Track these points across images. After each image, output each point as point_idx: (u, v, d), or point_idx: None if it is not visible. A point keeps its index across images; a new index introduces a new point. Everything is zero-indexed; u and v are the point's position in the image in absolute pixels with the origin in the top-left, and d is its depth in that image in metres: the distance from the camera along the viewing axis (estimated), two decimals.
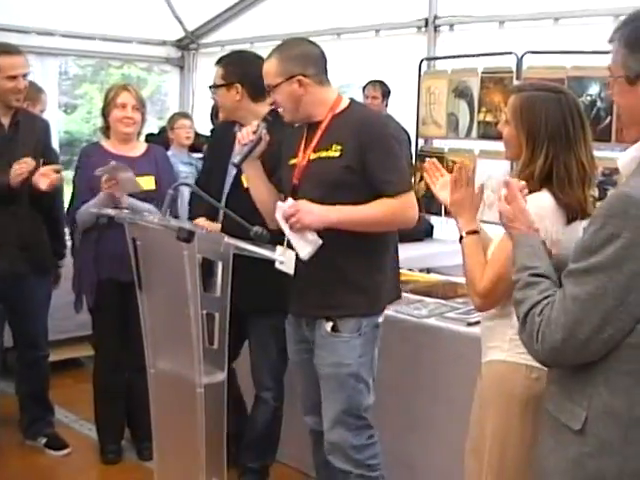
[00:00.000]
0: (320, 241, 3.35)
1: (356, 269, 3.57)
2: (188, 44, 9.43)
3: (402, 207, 3.51)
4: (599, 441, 2.01)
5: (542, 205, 2.79)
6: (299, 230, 3.37)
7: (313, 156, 3.58)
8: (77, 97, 18.78)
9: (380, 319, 3.67)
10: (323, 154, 3.55)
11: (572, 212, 2.79)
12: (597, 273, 1.93)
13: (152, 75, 16.33)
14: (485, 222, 4.81)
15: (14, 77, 4.61)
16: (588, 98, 5.06)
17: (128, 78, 17.80)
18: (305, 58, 3.58)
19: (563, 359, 2.06)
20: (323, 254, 3.43)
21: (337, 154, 3.50)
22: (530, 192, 2.80)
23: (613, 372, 1.98)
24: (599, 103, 4.97)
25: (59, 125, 9.88)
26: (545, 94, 2.96)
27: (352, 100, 3.73)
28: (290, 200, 3.43)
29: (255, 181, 3.77)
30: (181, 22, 9.11)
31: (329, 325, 3.59)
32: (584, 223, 2.32)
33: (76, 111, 18.82)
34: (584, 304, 1.95)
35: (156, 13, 8.68)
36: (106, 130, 4.88)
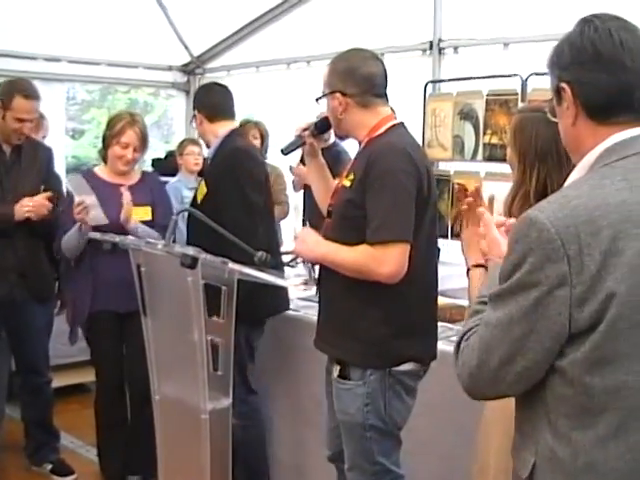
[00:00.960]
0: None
1: (355, 314, 3.37)
2: (194, 69, 9.45)
3: (373, 261, 3.21)
4: None
5: None
6: None
7: (341, 182, 3.48)
8: (84, 122, 18.88)
9: (403, 368, 3.40)
10: (344, 181, 3.42)
11: None
12: (506, 299, 1.82)
13: (159, 99, 16.42)
14: None
15: (23, 120, 4.65)
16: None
17: (135, 103, 17.90)
18: (349, 75, 3.40)
19: (479, 388, 1.94)
20: (329, 292, 3.47)
21: (348, 184, 3.37)
22: None
23: (553, 414, 1.85)
24: None
25: (66, 150, 9.92)
26: (538, 115, 2.97)
27: (395, 125, 3.46)
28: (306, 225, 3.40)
29: (313, 179, 3.84)
30: (187, 47, 9.13)
31: (337, 369, 3.46)
32: None
33: (84, 136, 18.91)
34: (494, 331, 1.84)
35: (162, 38, 8.70)
36: (104, 156, 4.77)
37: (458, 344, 1.99)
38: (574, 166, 1.99)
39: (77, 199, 4.36)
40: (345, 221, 3.37)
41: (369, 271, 3.23)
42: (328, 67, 3.50)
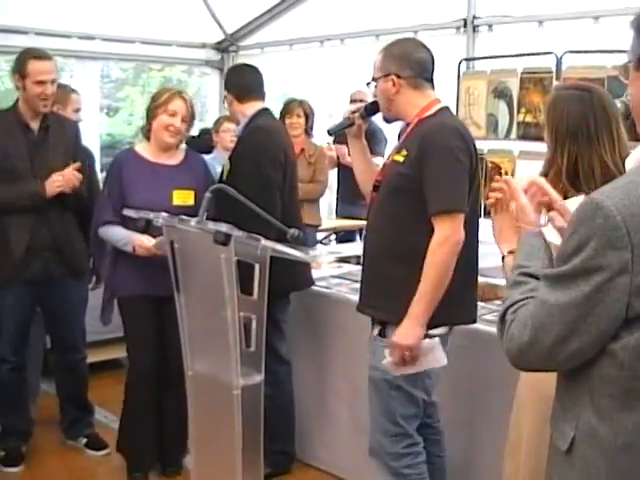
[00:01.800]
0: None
1: (401, 279, 3.54)
2: (228, 47, 9.45)
3: (440, 248, 3.43)
4: (586, 465, 1.89)
5: None
6: (415, 360, 3.48)
7: (392, 158, 3.67)
8: (119, 100, 18.91)
9: (439, 333, 3.57)
10: (395, 157, 3.63)
11: None
12: (566, 281, 1.81)
13: (193, 77, 16.41)
14: None
15: (42, 82, 4.63)
16: (629, 97, 5.00)
17: (169, 80, 17.90)
18: (404, 59, 3.64)
19: (529, 363, 1.95)
20: (375, 259, 3.65)
21: (401, 160, 3.57)
22: (565, 194, 2.78)
23: (597, 394, 1.86)
24: None
25: (101, 128, 9.97)
26: (570, 92, 2.97)
27: (443, 107, 3.71)
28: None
29: (355, 157, 4.01)
30: (220, 25, 9.14)
31: (377, 329, 3.66)
32: None
33: (118, 114, 18.96)
34: (550, 310, 1.83)
35: (195, 16, 8.71)
36: (147, 132, 4.61)
37: (503, 316, 1.99)
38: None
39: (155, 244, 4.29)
40: (398, 193, 3.57)
41: (450, 251, 3.43)
42: (381, 53, 3.72)
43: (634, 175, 1.84)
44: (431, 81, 3.73)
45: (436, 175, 3.45)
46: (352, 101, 7.79)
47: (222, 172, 4.73)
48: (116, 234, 4.48)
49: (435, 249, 3.43)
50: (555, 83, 5.35)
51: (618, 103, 4.93)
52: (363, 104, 3.95)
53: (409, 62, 3.64)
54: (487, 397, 3.85)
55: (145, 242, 4.30)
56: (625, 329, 1.79)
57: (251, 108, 4.68)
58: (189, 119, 4.57)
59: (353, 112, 3.90)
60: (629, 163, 1.99)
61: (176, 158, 4.62)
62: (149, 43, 8.82)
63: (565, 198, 2.83)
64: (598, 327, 1.80)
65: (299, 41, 8.69)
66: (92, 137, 8.48)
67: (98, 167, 6.90)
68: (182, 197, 4.46)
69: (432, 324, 3.50)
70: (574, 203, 2.78)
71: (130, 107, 18.57)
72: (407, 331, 3.45)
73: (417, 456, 3.70)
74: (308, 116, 7.10)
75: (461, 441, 4.06)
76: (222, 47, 9.49)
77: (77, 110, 5.78)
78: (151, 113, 4.53)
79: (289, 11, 8.59)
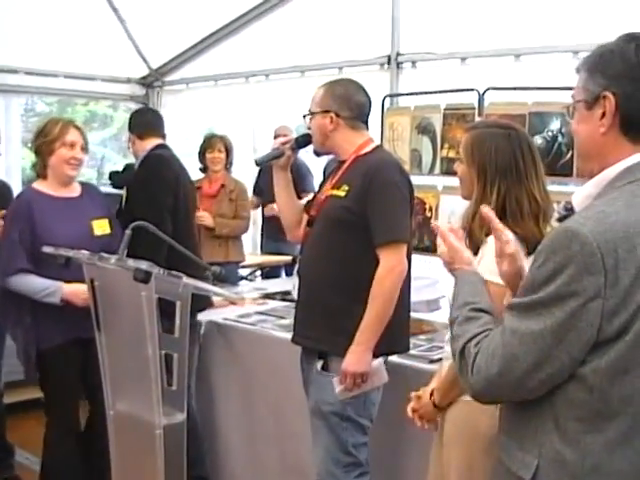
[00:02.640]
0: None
1: (342, 311, 3.64)
2: (152, 82, 9.39)
3: (387, 277, 3.55)
4: None
5: None
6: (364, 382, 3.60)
7: (329, 193, 3.77)
8: None
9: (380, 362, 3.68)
10: (334, 192, 3.73)
11: (529, 246, 2.72)
12: (538, 309, 1.86)
13: (119, 112, 16.35)
14: None
15: None
16: (549, 133, 5.08)
17: (94, 115, 17.80)
18: (344, 100, 3.79)
19: (498, 394, 1.97)
20: (315, 291, 3.72)
21: (343, 194, 3.68)
22: (490, 231, 2.81)
23: (563, 418, 1.89)
24: (560, 138, 4.98)
25: (24, 162, 9.83)
26: (494, 130, 3.00)
27: (378, 146, 3.96)
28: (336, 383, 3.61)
29: (279, 190, 4.06)
30: (145, 60, 9.08)
31: (319, 364, 3.73)
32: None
33: None
34: (522, 338, 1.87)
35: (120, 50, 8.66)
36: (42, 169, 4.36)
37: (462, 349, 2.01)
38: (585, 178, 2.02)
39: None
40: (339, 226, 3.67)
41: (395, 280, 3.57)
42: (323, 89, 3.86)
43: (602, 206, 1.89)
44: (367, 123, 3.89)
45: (382, 208, 3.58)
46: (276, 136, 7.85)
47: (120, 202, 4.88)
48: (35, 284, 4.16)
49: (382, 279, 3.53)
50: (477, 119, 5.41)
51: (539, 139, 5.06)
52: (293, 136, 4.08)
53: (349, 104, 3.79)
54: (411, 433, 3.84)
55: (80, 290, 4.01)
56: (594, 353, 1.84)
57: (150, 144, 4.91)
58: (86, 147, 4.41)
59: (284, 143, 3.98)
60: (576, 199, 2.05)
61: (75, 190, 4.47)
62: (73, 77, 8.71)
63: (490, 234, 2.87)
64: (570, 353, 1.84)
65: (224, 77, 8.68)
66: (14, 171, 8.37)
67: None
68: (101, 227, 4.37)
69: (377, 352, 3.60)
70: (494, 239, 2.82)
71: None
72: (358, 358, 3.55)
73: None
74: (229, 151, 7.09)
75: (390, 478, 4.06)
76: (147, 82, 9.42)
77: None
78: (45, 149, 4.30)
79: (214, 47, 8.57)
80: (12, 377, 5.35)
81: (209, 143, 7.05)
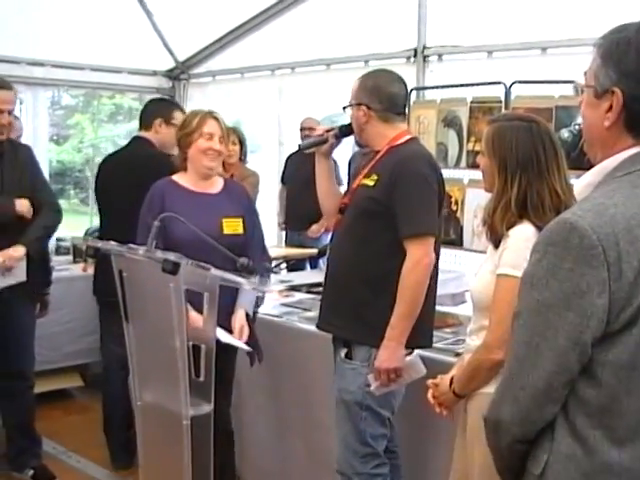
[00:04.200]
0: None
1: (366, 300, 3.67)
2: (179, 74, 9.44)
3: (414, 270, 3.55)
4: None
5: (526, 236, 2.80)
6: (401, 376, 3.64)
7: (361, 182, 3.78)
8: (69, 127, 18.82)
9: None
10: (364, 181, 3.75)
11: None
12: (547, 315, 1.82)
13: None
14: (474, 251, 4.81)
15: (0, 111, 4.62)
16: (576, 127, 5.06)
17: (120, 108, 17.86)
18: (375, 92, 3.79)
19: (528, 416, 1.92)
20: (343, 280, 3.75)
21: (372, 184, 3.70)
22: (512, 224, 2.85)
23: (572, 414, 1.86)
24: None
25: (50, 155, 9.90)
26: (516, 124, 2.99)
27: (413, 138, 3.91)
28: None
29: (320, 177, 4.09)
30: (172, 52, 9.13)
31: (343, 352, 3.76)
32: None
33: (68, 141, 18.86)
34: (537, 349, 1.84)
35: (147, 43, 8.70)
36: (183, 162, 4.32)
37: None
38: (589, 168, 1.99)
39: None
40: (367, 216, 3.69)
41: (421, 275, 3.57)
42: (357, 81, 3.88)
43: (602, 198, 1.85)
44: (402, 114, 3.89)
45: (408, 199, 3.57)
46: (302, 129, 7.87)
47: None
48: None
49: (409, 272, 3.54)
50: (504, 111, 5.40)
51: (566, 133, 5.04)
52: (338, 125, 4.06)
53: (379, 96, 3.78)
54: (437, 425, 3.85)
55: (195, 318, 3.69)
56: (602, 348, 1.80)
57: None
58: (226, 139, 4.32)
59: (327, 130, 4.04)
60: (576, 189, 2.04)
61: (216, 187, 4.35)
62: (100, 70, 8.77)
63: (512, 227, 2.88)
64: (586, 353, 1.80)
65: (250, 69, 8.72)
66: (41, 165, 8.39)
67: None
68: (232, 226, 4.21)
69: (408, 345, 3.63)
70: (517, 231, 2.85)
71: (80, 134, 18.49)
72: (390, 354, 3.57)
73: (385, 478, 3.80)
74: (242, 143, 7.09)
75: (415, 469, 4.07)
76: (173, 75, 9.47)
77: (18, 137, 5.73)
78: (184, 141, 4.25)
79: (241, 39, 8.60)
80: (41, 367, 5.39)
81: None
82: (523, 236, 2.82)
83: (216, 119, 4.23)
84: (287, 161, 8.18)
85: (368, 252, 3.68)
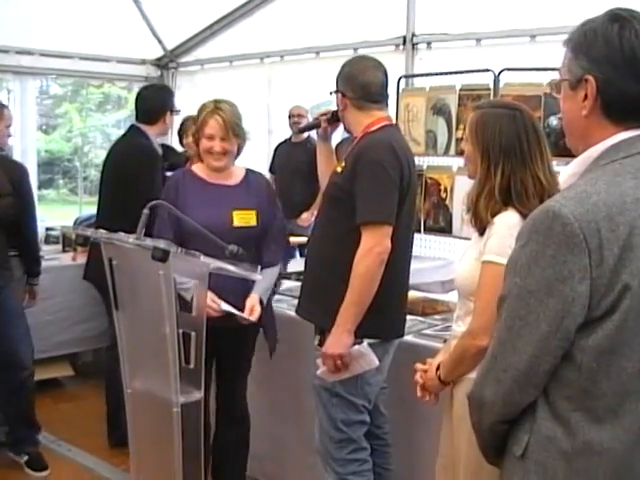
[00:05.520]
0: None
1: (332, 288, 3.65)
2: (167, 63, 9.41)
3: (364, 258, 3.53)
4: (542, 468, 1.91)
5: (510, 224, 2.82)
6: (347, 366, 3.64)
7: (336, 167, 3.83)
8: (57, 116, 18.76)
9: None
10: (337, 167, 3.79)
11: None
12: (529, 300, 1.86)
13: (133, 94, 16.31)
14: (463, 238, 4.82)
15: None
16: (561, 113, 5.06)
17: (108, 97, 17.81)
18: (349, 80, 3.82)
19: (514, 398, 1.96)
20: (312, 268, 3.83)
21: (340, 170, 3.73)
22: (497, 211, 2.86)
23: (552, 396, 1.90)
24: None
25: (39, 144, 9.87)
26: (499, 111, 3.01)
27: (388, 125, 3.83)
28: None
29: (320, 160, 4.23)
30: (160, 41, 9.10)
31: (317, 339, 3.78)
32: None
33: (56, 130, 18.79)
34: (520, 331, 1.88)
35: (135, 32, 8.66)
36: (198, 154, 4.32)
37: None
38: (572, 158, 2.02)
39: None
40: (333, 203, 3.74)
41: (374, 261, 3.53)
42: (340, 68, 3.91)
43: (585, 185, 1.87)
44: (380, 102, 3.84)
45: (365, 187, 3.57)
46: (290, 116, 7.88)
47: None
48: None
49: (359, 259, 3.54)
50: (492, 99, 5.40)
51: (554, 120, 5.05)
52: (333, 109, 4.09)
53: (352, 84, 3.79)
54: (427, 411, 3.86)
55: (214, 303, 3.89)
56: (583, 332, 1.83)
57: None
58: (229, 137, 4.15)
59: (323, 114, 4.14)
60: (561, 178, 2.06)
61: (234, 178, 4.29)
62: (88, 59, 8.73)
63: (496, 215, 2.89)
64: (568, 338, 1.84)
65: (239, 58, 8.69)
66: (30, 154, 8.39)
67: (35, 183, 6.88)
68: (243, 218, 4.16)
69: (359, 335, 3.61)
70: (502, 218, 2.87)
71: (69, 124, 18.42)
72: (335, 340, 3.58)
73: (363, 463, 3.80)
74: None
75: (404, 455, 4.08)
76: (162, 63, 9.44)
77: (8, 126, 5.71)
78: (195, 137, 4.26)
79: (229, 28, 8.58)
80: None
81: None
82: (508, 223, 2.83)
83: (219, 116, 4.12)
84: (275, 151, 8.17)
85: (333, 239, 3.71)
